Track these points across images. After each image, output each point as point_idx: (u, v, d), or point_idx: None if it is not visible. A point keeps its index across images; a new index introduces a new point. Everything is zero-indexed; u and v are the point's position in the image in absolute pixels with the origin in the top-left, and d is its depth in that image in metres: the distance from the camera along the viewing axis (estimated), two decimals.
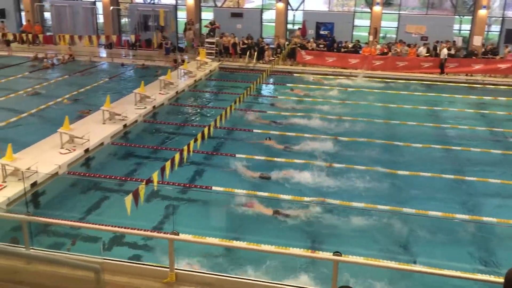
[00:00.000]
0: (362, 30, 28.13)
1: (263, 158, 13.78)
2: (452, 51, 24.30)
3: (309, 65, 25.11)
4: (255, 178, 12.43)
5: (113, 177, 12.43)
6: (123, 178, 12.37)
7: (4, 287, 6.05)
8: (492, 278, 7.98)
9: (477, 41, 25.53)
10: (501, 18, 26.77)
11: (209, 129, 13.36)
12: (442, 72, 23.75)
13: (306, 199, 11.51)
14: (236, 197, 11.24)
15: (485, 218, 10.95)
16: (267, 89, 22.31)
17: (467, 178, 13.00)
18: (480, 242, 10.16)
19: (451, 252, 9.76)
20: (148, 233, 8.64)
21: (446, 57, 23.55)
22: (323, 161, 13.60)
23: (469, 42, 26.29)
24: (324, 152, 14.33)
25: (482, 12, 25.57)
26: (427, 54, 24.48)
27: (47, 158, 12.58)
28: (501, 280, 3.61)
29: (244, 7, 30.70)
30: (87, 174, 12.76)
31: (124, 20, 31.55)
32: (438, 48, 24.39)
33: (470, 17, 26.77)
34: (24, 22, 30.75)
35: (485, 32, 26.66)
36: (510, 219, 10.84)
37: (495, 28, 27.27)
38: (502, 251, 9.75)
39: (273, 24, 28.43)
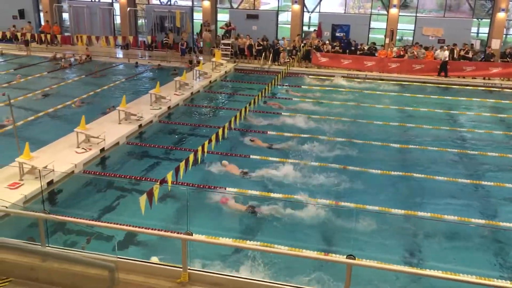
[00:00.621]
0: (379, 33, 27.94)
1: (276, 159, 13.79)
2: (470, 55, 24.06)
3: (324, 67, 25.04)
4: (266, 180, 12.47)
5: (128, 177, 12.53)
6: (138, 178, 12.46)
7: (20, 284, 6.15)
8: (509, 284, 7.87)
9: (495, 44, 25.21)
10: None
11: (223, 130, 13.39)
12: (445, 75, 23.60)
13: (319, 201, 11.46)
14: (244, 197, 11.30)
15: (501, 223, 10.79)
16: (280, 91, 22.21)
17: (483, 182, 12.84)
18: (496, 247, 10.02)
19: (466, 257, 9.64)
20: (162, 232, 8.67)
21: (447, 59, 23.43)
22: (336, 163, 13.57)
23: (487, 45, 25.95)
24: (336, 154, 14.34)
25: (500, 15, 25.23)
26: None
27: (63, 157, 12.74)
28: None
29: (259, 8, 30.73)
30: (102, 174, 12.89)
31: (140, 21, 31.84)
32: (455, 51, 24.18)
33: (489, 20, 26.44)
34: (42, 23, 31.21)
35: (504, 35, 26.29)
36: None
37: None
38: None
39: (289, 26, 28.41)
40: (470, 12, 27.00)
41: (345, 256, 6.25)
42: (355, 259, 6.15)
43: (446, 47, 24.08)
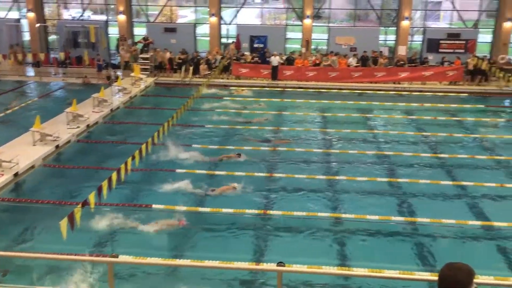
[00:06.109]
0: (295, 42, 28.79)
1: (204, 172, 13.76)
2: (382, 61, 25.51)
3: (244, 78, 25.36)
4: (198, 194, 12.36)
5: (46, 202, 11.85)
6: (58, 202, 11.83)
7: None
8: (429, 276, 8.34)
9: (401, 50, 26.93)
10: (422, 29, 28.44)
11: (147, 146, 13.10)
12: (274, 79, 25.02)
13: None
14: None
15: (418, 219, 11.42)
16: (202, 103, 22.00)
17: (400, 180, 13.58)
18: (416, 242, 10.60)
19: (389, 253, 10.12)
20: (86, 257, 8.29)
21: (278, 64, 24.96)
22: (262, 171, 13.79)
23: (394, 52, 27.64)
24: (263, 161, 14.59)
25: (405, 23, 26.99)
26: (357, 64, 25.48)
27: None
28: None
29: (177, 22, 30.59)
30: (17, 200, 12.09)
31: (52, 37, 30.44)
32: (368, 58, 25.57)
33: (395, 28, 28.17)
34: None
35: (409, 42, 28.13)
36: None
37: (418, 38, 28.83)
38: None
39: (207, 38, 28.49)
40: (378, 21, 28.67)
41: (275, 264, 6.32)
42: (285, 265, 6.24)
43: (275, 53, 25.27)
